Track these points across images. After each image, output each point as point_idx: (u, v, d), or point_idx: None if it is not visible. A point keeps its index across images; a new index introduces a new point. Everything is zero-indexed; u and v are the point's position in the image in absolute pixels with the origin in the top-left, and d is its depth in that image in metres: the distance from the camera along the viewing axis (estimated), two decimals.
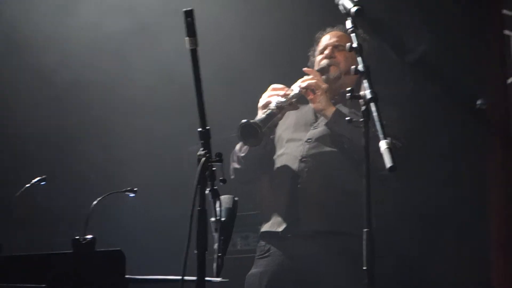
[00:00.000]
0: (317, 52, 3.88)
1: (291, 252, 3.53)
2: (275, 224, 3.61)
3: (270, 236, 3.62)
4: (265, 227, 3.67)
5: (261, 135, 3.38)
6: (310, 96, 3.60)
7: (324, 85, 3.61)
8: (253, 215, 4.27)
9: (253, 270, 3.65)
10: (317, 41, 3.91)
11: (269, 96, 3.62)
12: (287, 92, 3.60)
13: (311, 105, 3.67)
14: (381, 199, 3.29)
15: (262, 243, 3.67)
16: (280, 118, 3.67)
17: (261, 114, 3.54)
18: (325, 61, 3.78)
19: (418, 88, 4.47)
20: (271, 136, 3.80)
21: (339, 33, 3.83)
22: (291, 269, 3.51)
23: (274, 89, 3.66)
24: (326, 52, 3.80)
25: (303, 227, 3.52)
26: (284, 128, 3.79)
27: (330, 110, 3.56)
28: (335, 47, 3.79)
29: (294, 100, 3.60)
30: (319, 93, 3.57)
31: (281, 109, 3.56)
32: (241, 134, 3.41)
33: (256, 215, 4.16)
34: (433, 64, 4.43)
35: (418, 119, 4.26)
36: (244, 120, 3.40)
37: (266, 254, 3.62)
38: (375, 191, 2.63)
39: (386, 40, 4.51)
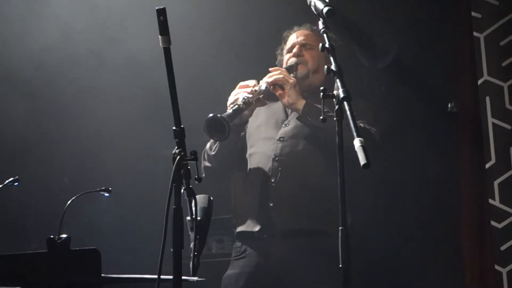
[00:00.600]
0: (284, 51, 3.90)
1: (267, 253, 3.54)
2: (250, 225, 3.62)
3: (246, 236, 3.63)
4: (241, 228, 3.68)
5: (227, 129, 3.39)
6: (279, 92, 3.61)
7: (292, 80, 3.62)
8: (228, 219, 4.26)
9: (229, 272, 3.66)
10: (284, 40, 3.94)
11: (236, 94, 3.64)
12: (255, 88, 3.61)
13: (281, 102, 3.69)
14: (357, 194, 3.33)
15: (238, 244, 3.68)
16: (249, 115, 3.70)
17: (228, 110, 3.56)
18: (293, 59, 3.80)
19: (389, 92, 4.51)
20: (242, 134, 3.81)
21: (306, 32, 3.86)
22: (267, 270, 3.52)
23: (241, 86, 3.68)
24: (294, 50, 3.82)
25: (278, 227, 3.54)
26: (255, 126, 3.81)
27: (301, 103, 3.58)
28: (303, 45, 3.82)
29: (261, 96, 3.62)
30: (288, 88, 3.58)
31: (248, 104, 3.57)
32: (207, 128, 3.43)
33: (230, 219, 4.16)
34: (404, 67, 4.48)
35: (390, 122, 4.30)
36: (210, 115, 3.42)
37: (242, 255, 3.62)
38: (351, 186, 2.65)
39: (358, 46, 4.56)
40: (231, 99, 3.65)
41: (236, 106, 3.54)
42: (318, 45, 2.93)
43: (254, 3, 4.49)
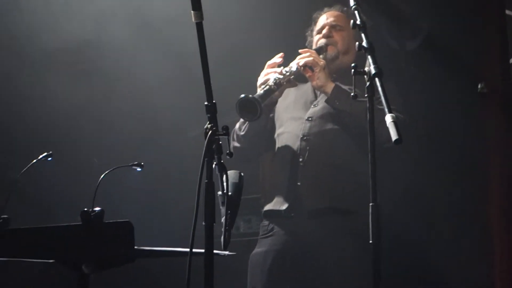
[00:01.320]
0: (314, 32, 3.90)
1: (294, 231, 3.55)
2: (278, 203, 3.63)
3: (273, 215, 3.64)
4: (268, 206, 3.69)
5: (259, 110, 3.39)
6: (309, 74, 3.60)
7: (322, 62, 3.61)
8: (256, 198, 4.30)
9: (257, 250, 3.68)
10: (314, 21, 3.93)
11: (267, 74, 3.64)
12: (285, 69, 3.60)
13: (310, 83, 3.68)
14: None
15: (265, 222, 3.69)
16: (279, 96, 3.69)
17: (259, 91, 3.56)
18: (322, 41, 3.79)
19: (419, 72, 4.49)
20: (271, 115, 3.81)
21: (336, 13, 3.86)
22: (294, 248, 3.53)
23: (269, 66, 3.68)
24: (324, 31, 3.81)
25: (306, 205, 3.55)
26: (284, 106, 3.81)
27: (330, 86, 3.57)
28: (333, 26, 3.81)
29: (292, 77, 3.61)
30: (318, 70, 3.57)
31: (279, 85, 3.57)
32: (239, 108, 3.43)
33: (258, 199, 4.18)
34: (433, 48, 4.44)
35: (419, 103, 4.27)
36: (242, 95, 3.42)
37: (270, 234, 3.64)
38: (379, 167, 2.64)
39: (387, 28, 4.53)
40: (261, 79, 3.65)
41: (267, 87, 3.54)
42: (348, 26, 2.93)
43: None
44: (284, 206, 3.59)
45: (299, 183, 3.58)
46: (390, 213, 3.42)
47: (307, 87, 3.80)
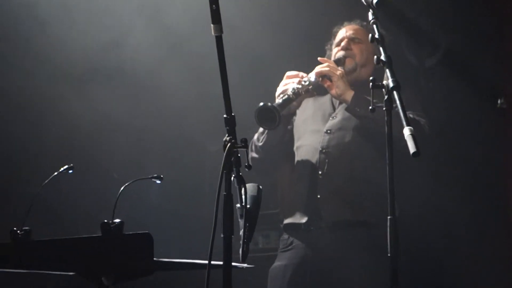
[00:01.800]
0: (333, 45, 3.91)
1: (314, 244, 3.55)
2: (297, 216, 3.63)
3: (293, 228, 3.65)
4: (288, 220, 3.69)
5: (277, 118, 3.41)
6: (327, 84, 3.61)
7: (340, 71, 3.62)
8: (274, 214, 4.29)
9: (276, 263, 3.68)
10: (334, 35, 3.95)
11: (285, 84, 3.65)
12: (304, 79, 3.62)
13: (329, 94, 3.69)
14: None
15: (285, 236, 3.70)
16: (297, 106, 3.71)
17: (278, 100, 3.57)
18: (341, 53, 3.81)
19: (438, 88, 4.49)
20: (289, 127, 3.82)
21: (355, 26, 3.88)
22: (314, 261, 3.53)
23: (288, 77, 3.69)
24: (342, 44, 3.83)
25: (325, 218, 3.55)
26: (303, 120, 3.82)
27: (349, 94, 3.57)
28: (351, 39, 3.83)
29: (310, 87, 3.62)
30: (335, 79, 3.58)
31: (298, 95, 3.59)
32: (258, 116, 3.45)
33: (277, 214, 4.17)
34: (452, 63, 4.44)
35: (438, 119, 4.27)
36: (261, 103, 3.44)
37: (289, 247, 3.65)
38: (399, 178, 2.65)
39: (406, 44, 4.54)
40: (279, 89, 3.66)
41: (286, 96, 3.56)
42: (367, 39, 2.94)
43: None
44: (304, 219, 3.60)
45: (318, 196, 3.59)
46: (409, 226, 3.42)
47: (325, 100, 3.82)
